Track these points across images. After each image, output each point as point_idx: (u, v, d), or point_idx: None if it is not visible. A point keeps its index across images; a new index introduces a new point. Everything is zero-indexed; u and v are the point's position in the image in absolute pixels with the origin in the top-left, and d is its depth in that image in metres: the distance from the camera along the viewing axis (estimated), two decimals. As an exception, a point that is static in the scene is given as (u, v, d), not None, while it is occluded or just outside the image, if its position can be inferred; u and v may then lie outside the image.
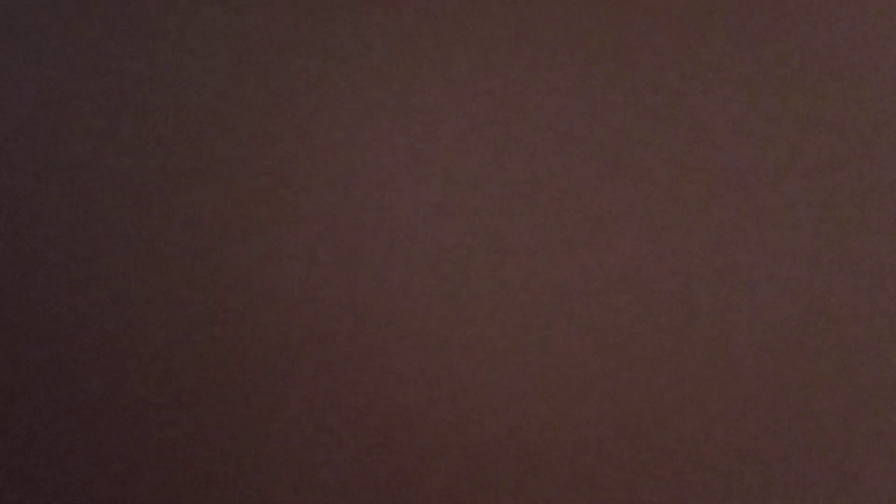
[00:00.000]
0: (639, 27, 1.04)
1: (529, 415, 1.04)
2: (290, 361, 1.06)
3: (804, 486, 1.03)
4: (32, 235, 1.08)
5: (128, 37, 1.08)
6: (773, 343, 1.03)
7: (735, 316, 1.03)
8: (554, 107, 1.05)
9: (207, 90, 1.08)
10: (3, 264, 1.08)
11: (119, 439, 1.08)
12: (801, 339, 1.03)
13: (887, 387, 1.02)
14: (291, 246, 1.06)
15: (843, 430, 1.02)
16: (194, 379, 1.07)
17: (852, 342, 1.02)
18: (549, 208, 1.04)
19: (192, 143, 1.08)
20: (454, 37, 1.05)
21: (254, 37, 1.07)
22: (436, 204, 1.05)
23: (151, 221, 1.07)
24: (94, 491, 1.08)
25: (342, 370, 1.06)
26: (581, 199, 1.04)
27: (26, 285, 1.08)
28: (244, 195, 1.07)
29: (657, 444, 1.03)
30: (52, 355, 1.08)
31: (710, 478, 1.03)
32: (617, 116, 1.04)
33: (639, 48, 1.04)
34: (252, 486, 1.07)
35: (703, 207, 1.03)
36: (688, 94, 1.04)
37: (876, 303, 1.02)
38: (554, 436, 1.04)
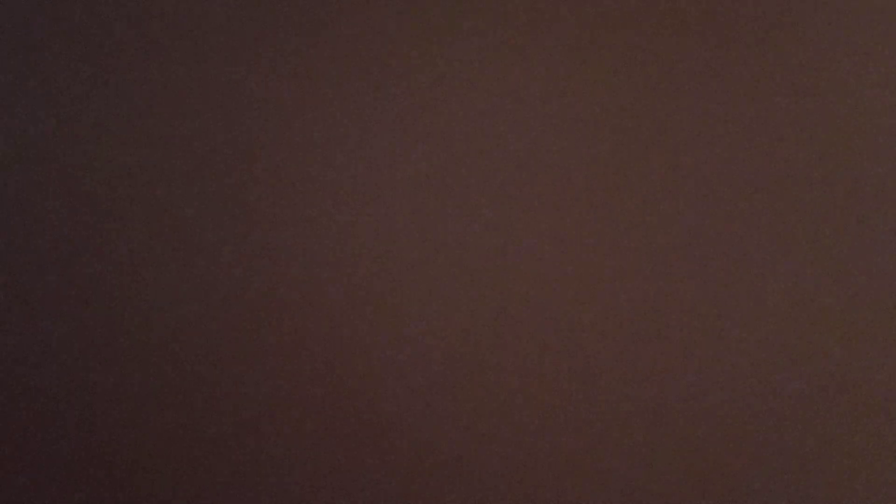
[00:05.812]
0: (639, 27, 1.04)
1: (530, 415, 1.05)
2: (289, 362, 1.06)
3: (805, 485, 1.03)
4: (32, 235, 1.08)
5: (128, 36, 1.08)
6: (773, 343, 1.03)
7: (736, 315, 1.03)
8: (555, 107, 1.05)
9: (208, 89, 1.08)
10: (4, 264, 1.08)
11: (119, 439, 1.07)
12: (802, 339, 1.03)
13: (887, 386, 1.02)
14: (292, 247, 1.06)
15: (845, 430, 1.03)
16: (193, 378, 1.07)
17: (853, 341, 1.03)
18: (549, 209, 1.04)
19: (192, 143, 1.07)
20: (456, 36, 1.06)
21: (255, 36, 1.07)
22: (437, 204, 1.05)
23: (152, 221, 1.07)
24: (94, 491, 1.07)
25: (341, 370, 1.06)
26: (582, 200, 1.04)
27: (25, 285, 1.08)
28: (244, 195, 1.07)
29: (658, 445, 1.04)
30: (51, 354, 1.08)
31: (710, 478, 1.03)
32: (618, 117, 1.04)
33: (640, 48, 1.04)
34: (252, 486, 1.06)
35: (703, 207, 1.04)
36: (690, 94, 1.04)
37: (876, 302, 1.02)
38: (555, 436, 1.04)
